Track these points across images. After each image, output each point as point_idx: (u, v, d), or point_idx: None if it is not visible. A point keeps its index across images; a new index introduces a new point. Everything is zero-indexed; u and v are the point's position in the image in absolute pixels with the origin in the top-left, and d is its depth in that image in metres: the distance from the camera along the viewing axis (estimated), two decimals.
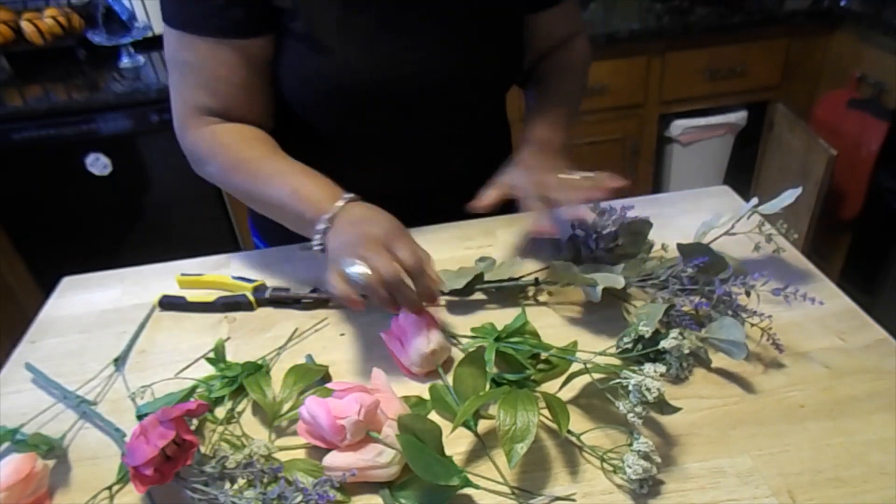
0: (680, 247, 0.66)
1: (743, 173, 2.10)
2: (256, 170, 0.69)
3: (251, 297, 0.73)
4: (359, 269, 0.56)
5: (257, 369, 0.63)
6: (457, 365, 0.59)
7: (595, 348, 0.64)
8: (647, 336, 0.59)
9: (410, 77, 0.73)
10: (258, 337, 0.70)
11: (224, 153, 0.71)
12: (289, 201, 0.66)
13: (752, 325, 0.61)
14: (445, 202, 0.74)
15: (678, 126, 1.99)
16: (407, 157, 0.75)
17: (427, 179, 0.82)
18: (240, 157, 0.70)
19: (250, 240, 1.02)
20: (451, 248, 0.81)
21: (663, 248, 0.74)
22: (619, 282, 0.64)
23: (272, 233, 0.93)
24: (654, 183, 2.16)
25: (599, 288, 0.63)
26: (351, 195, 0.64)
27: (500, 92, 0.87)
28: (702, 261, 0.62)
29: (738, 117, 2.01)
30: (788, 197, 0.68)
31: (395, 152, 0.80)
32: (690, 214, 0.83)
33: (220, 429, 0.58)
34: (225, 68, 0.70)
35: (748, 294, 0.60)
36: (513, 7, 0.79)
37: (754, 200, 0.69)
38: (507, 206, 0.79)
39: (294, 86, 0.74)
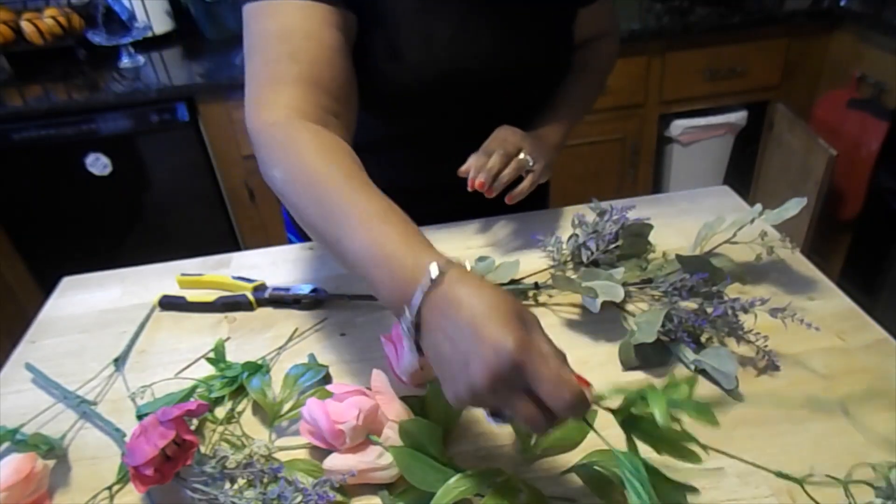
0: (680, 258, 0.67)
1: (743, 173, 2.10)
2: (330, 198, 0.52)
3: (251, 297, 0.73)
4: (499, 422, 0.44)
5: (257, 369, 0.63)
6: (430, 387, 0.57)
7: (593, 352, 0.64)
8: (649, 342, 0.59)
9: (476, 73, 0.74)
10: (258, 337, 0.70)
11: (295, 158, 0.56)
12: (363, 259, 0.48)
13: (750, 342, 0.61)
14: (469, 198, 0.73)
15: (678, 126, 1.99)
16: (470, 148, 0.74)
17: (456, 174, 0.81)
18: (313, 169, 0.54)
19: (249, 239, 1.01)
20: (451, 249, 0.81)
21: (664, 256, 0.74)
22: (618, 294, 0.63)
23: None
24: (654, 183, 2.16)
25: (599, 301, 0.63)
26: (442, 262, 0.43)
27: (553, 85, 0.87)
28: (701, 277, 0.62)
29: (738, 117, 2.01)
30: (792, 208, 0.68)
31: (459, 144, 0.79)
32: (690, 214, 0.83)
33: (220, 429, 0.58)
34: (317, 26, 0.63)
35: (746, 312, 0.60)
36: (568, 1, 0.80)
37: (758, 207, 0.69)
38: (506, 207, 0.79)
39: (364, 84, 0.71)
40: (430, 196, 0.80)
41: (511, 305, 0.41)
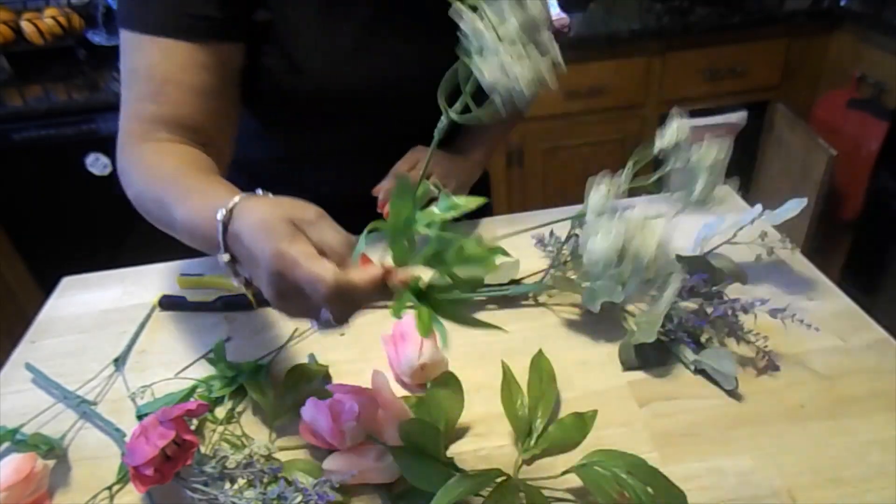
0: (680, 259, 0.67)
1: (743, 173, 2.10)
2: (161, 190, 0.57)
3: (251, 297, 0.73)
4: (320, 327, 0.50)
5: (257, 369, 0.63)
6: (430, 387, 0.57)
7: (593, 352, 0.64)
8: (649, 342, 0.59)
9: (387, 87, 0.73)
10: (258, 337, 0.70)
11: (140, 172, 0.60)
12: (185, 232, 0.55)
13: (749, 342, 0.61)
14: None
15: None
16: (382, 161, 0.75)
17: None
18: (150, 175, 0.59)
19: None
20: None
21: None
22: (618, 296, 0.63)
23: None
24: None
25: (598, 301, 0.63)
26: (226, 207, 0.48)
27: None
28: (700, 277, 0.62)
29: (738, 117, 2.01)
30: (793, 208, 0.68)
31: (370, 157, 0.80)
32: (690, 214, 0.83)
33: (220, 429, 0.58)
34: (178, 70, 0.63)
35: (745, 312, 0.60)
36: None
37: (758, 207, 0.69)
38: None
39: (267, 100, 0.72)
40: (369, 206, 0.77)
41: (281, 215, 0.44)
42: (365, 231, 0.44)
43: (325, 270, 0.41)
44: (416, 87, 0.75)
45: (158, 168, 0.59)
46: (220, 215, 0.47)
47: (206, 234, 0.50)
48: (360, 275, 0.42)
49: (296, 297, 0.43)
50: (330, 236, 0.44)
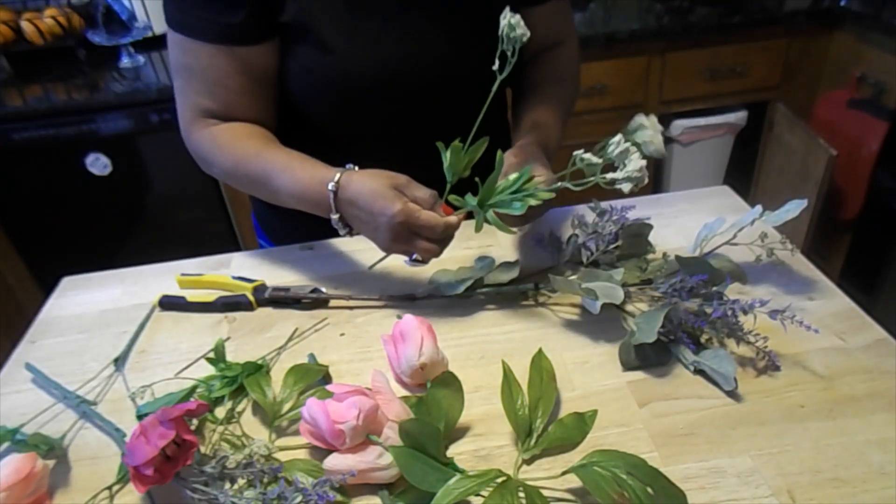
0: (679, 260, 0.66)
1: (743, 173, 2.10)
2: (255, 168, 0.72)
3: (251, 297, 0.73)
4: (413, 263, 0.71)
5: (257, 369, 0.63)
6: (430, 387, 0.57)
7: (593, 352, 0.64)
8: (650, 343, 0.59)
9: (414, 71, 0.75)
10: (258, 337, 0.70)
11: (222, 154, 0.74)
12: (293, 198, 0.71)
13: (749, 342, 0.61)
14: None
15: (678, 126, 1.99)
16: (407, 155, 0.75)
17: (428, 178, 0.82)
18: (237, 155, 0.73)
19: (249, 239, 1.02)
20: (450, 248, 0.80)
21: (664, 256, 0.74)
22: (618, 297, 0.63)
23: (277, 232, 0.93)
24: (654, 183, 2.16)
25: (599, 303, 0.63)
26: (333, 180, 0.65)
27: (500, 88, 0.87)
28: (700, 278, 0.62)
29: (738, 117, 2.01)
30: (793, 210, 0.67)
31: (396, 150, 0.81)
32: (690, 214, 0.83)
33: (220, 429, 0.58)
34: (224, 74, 0.72)
35: (745, 313, 0.60)
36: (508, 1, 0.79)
37: (758, 208, 0.69)
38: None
39: (299, 85, 0.75)
40: None
41: (386, 184, 0.63)
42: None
43: (437, 217, 0.62)
44: (444, 72, 0.77)
45: (242, 148, 0.73)
46: (330, 186, 0.65)
47: (315, 199, 0.67)
48: (450, 219, 0.63)
49: (408, 238, 0.63)
50: (420, 193, 0.63)
